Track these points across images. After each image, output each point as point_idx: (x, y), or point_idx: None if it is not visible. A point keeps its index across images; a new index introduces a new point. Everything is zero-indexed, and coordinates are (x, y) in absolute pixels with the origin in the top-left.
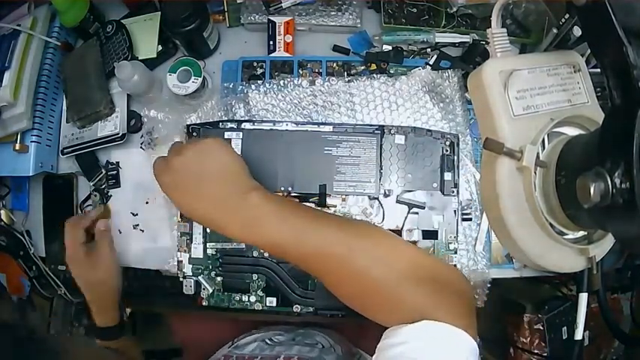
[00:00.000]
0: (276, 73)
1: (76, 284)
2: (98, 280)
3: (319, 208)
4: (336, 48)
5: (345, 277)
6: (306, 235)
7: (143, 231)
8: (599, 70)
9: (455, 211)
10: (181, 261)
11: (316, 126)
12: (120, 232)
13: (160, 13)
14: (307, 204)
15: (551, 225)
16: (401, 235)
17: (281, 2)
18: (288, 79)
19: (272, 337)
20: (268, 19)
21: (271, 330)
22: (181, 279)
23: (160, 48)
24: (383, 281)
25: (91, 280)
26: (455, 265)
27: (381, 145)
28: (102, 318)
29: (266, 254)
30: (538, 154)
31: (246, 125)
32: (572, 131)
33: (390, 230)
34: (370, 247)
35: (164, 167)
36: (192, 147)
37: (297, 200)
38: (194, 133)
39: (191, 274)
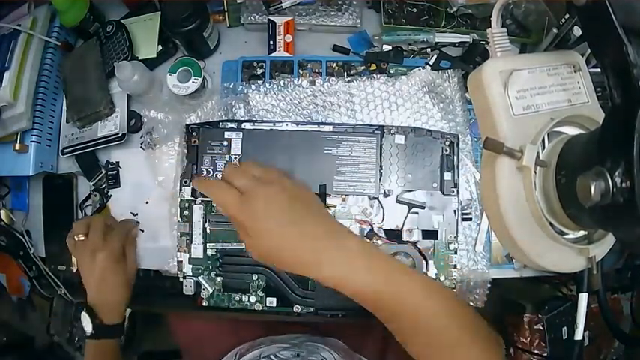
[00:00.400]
0: (276, 73)
1: (82, 282)
2: (123, 283)
3: None
4: (336, 48)
5: (419, 333)
6: (405, 287)
7: (143, 231)
8: (599, 69)
9: (455, 211)
10: (181, 261)
11: (316, 126)
12: None
13: (159, 13)
14: None
15: (551, 225)
16: (401, 235)
17: (281, 2)
18: (288, 79)
19: (276, 352)
20: (268, 19)
21: (275, 343)
22: (181, 279)
23: (160, 48)
24: (449, 334)
25: (118, 282)
26: (455, 266)
27: (381, 145)
28: (112, 316)
29: None
30: (538, 153)
31: (246, 125)
32: (572, 131)
33: (390, 230)
34: (441, 303)
35: (245, 202)
36: (277, 181)
37: None
38: (194, 133)
39: (191, 274)
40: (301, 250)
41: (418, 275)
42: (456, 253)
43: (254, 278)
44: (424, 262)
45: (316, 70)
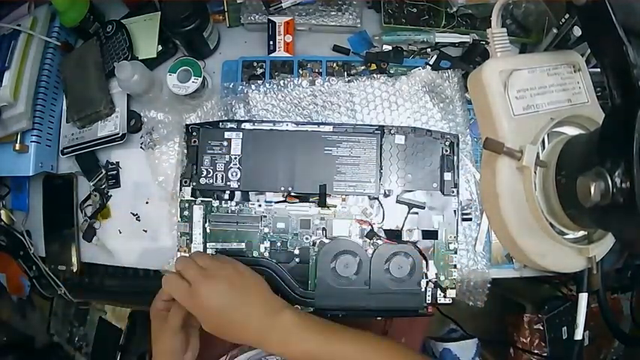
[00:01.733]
0: (276, 73)
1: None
2: None
3: (319, 207)
4: (336, 48)
5: None
6: (338, 346)
7: (145, 231)
8: (599, 69)
9: (455, 211)
10: None
11: (316, 126)
12: (120, 232)
13: (159, 13)
14: (307, 203)
15: (551, 225)
16: (401, 235)
17: (281, 2)
18: (288, 79)
19: (266, 356)
20: (268, 19)
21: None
22: None
23: (160, 48)
24: None
25: None
26: (455, 266)
27: (381, 145)
28: None
29: (266, 254)
30: (538, 153)
31: (246, 125)
32: (572, 131)
33: (390, 230)
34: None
35: (192, 294)
36: (218, 272)
37: (298, 200)
38: (194, 133)
39: None
40: (245, 332)
41: (349, 334)
42: (456, 253)
43: None
44: (424, 262)
45: (316, 70)
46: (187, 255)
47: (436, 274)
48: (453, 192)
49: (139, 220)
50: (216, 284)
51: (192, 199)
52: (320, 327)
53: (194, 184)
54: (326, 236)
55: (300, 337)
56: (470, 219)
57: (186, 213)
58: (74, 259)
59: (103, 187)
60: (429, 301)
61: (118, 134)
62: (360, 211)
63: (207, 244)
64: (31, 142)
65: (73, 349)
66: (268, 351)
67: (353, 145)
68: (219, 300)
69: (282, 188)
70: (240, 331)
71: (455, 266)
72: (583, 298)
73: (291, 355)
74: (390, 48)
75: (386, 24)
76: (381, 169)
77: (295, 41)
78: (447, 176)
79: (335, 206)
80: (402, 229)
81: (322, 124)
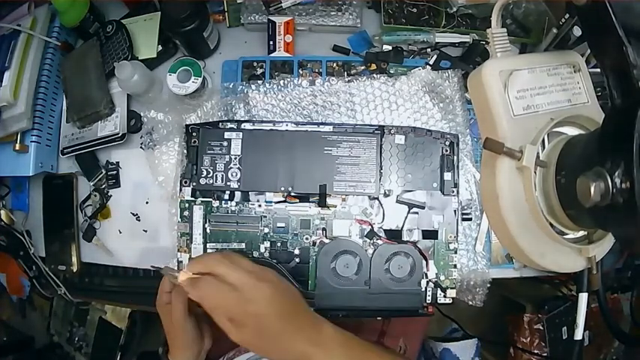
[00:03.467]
0: (276, 73)
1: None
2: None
3: (319, 207)
4: (336, 48)
5: None
6: None
7: (145, 231)
8: (599, 70)
9: (455, 211)
10: (181, 261)
11: (316, 126)
12: (120, 232)
13: (159, 13)
14: (307, 203)
15: (551, 225)
16: (401, 235)
17: (281, 2)
18: (288, 79)
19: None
20: (268, 19)
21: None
22: None
23: (160, 48)
24: None
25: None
26: (455, 266)
27: (381, 145)
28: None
29: (266, 254)
30: (538, 153)
31: (246, 125)
32: (572, 131)
33: (390, 230)
34: None
35: (241, 299)
36: (266, 276)
37: (298, 200)
38: (194, 133)
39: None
40: (292, 342)
41: (388, 355)
42: (456, 253)
43: None
44: (424, 262)
45: (316, 70)
46: (216, 254)
47: (436, 274)
48: (453, 192)
49: (139, 220)
50: (269, 289)
51: (192, 199)
52: (360, 348)
53: (194, 184)
54: (326, 236)
55: (342, 354)
56: (470, 219)
57: (186, 213)
58: (74, 259)
59: (103, 187)
60: (429, 301)
61: (118, 134)
62: (360, 211)
63: (207, 245)
64: (31, 142)
65: (73, 349)
66: None
67: (353, 145)
68: (272, 307)
69: (282, 188)
70: (286, 342)
71: (455, 266)
72: (583, 298)
73: None
74: (390, 48)
75: (386, 24)
76: (381, 169)
77: (295, 41)
78: (447, 176)
79: (335, 206)
80: (402, 229)
81: (322, 124)
